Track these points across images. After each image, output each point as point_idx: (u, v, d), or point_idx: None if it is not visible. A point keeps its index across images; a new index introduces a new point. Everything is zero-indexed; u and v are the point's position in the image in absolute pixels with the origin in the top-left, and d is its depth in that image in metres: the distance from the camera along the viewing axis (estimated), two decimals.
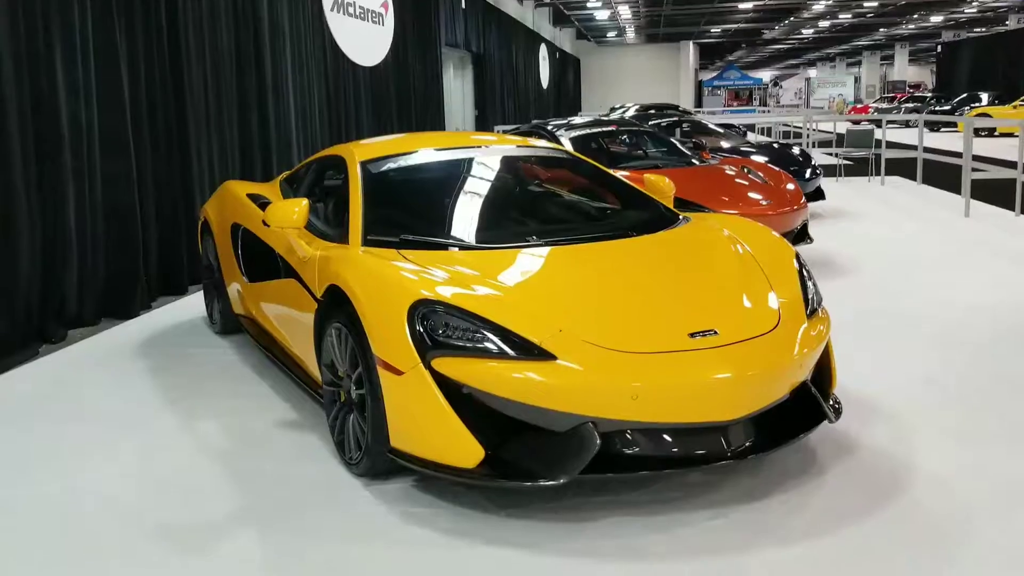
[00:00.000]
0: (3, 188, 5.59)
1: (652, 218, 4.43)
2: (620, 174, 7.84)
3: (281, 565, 3.06)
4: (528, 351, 3.18)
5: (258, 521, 3.36)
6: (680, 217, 4.51)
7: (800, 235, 7.87)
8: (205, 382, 5.04)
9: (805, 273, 3.93)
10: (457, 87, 21.25)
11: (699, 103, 51.87)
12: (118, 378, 5.18)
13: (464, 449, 3.16)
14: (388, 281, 3.52)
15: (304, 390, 4.34)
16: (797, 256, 4.04)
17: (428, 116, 16.05)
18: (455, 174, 4.64)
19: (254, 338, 5.21)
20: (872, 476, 3.60)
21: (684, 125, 12.99)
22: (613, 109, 27.57)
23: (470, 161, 4.71)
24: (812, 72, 73.86)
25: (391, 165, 4.55)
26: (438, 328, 3.26)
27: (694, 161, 8.82)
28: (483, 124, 20.93)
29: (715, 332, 3.34)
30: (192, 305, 6.91)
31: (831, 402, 3.73)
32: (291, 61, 10.24)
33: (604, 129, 9.33)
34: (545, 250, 3.90)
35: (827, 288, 7.03)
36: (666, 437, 3.21)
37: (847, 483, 3.55)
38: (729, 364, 3.22)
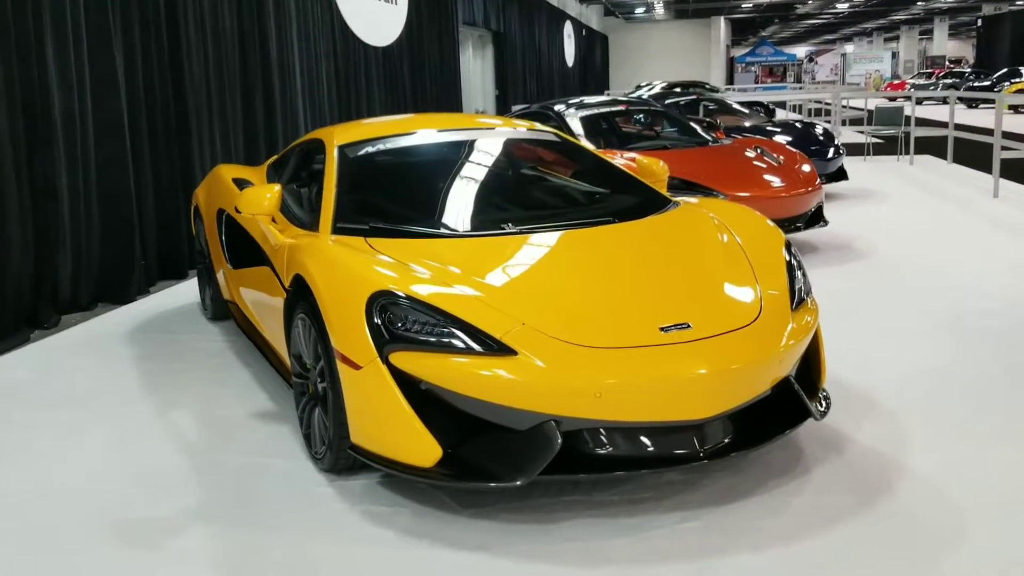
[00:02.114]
0: None
1: (639, 203, 4.24)
2: (628, 155, 7.71)
3: (232, 562, 2.96)
4: (488, 346, 3.04)
5: (217, 516, 3.26)
6: (670, 202, 4.33)
7: (814, 217, 7.63)
8: (189, 370, 4.96)
9: (795, 263, 3.74)
10: (476, 67, 20.95)
11: (730, 80, 51.07)
12: (103, 365, 5.12)
13: (421, 447, 3.03)
14: (348, 271, 3.38)
15: (283, 379, 4.24)
16: (788, 245, 3.85)
17: (445, 97, 15.84)
18: (435, 159, 4.49)
19: (239, 325, 5.13)
20: (860, 475, 3.42)
21: (706, 103, 12.71)
22: (639, 87, 27.18)
23: (453, 145, 4.55)
24: (848, 47, 72.49)
25: (368, 150, 4.41)
26: (397, 321, 3.13)
27: (710, 140, 8.59)
28: (503, 105, 20.67)
29: (688, 326, 3.17)
30: (190, 290, 6.85)
31: (820, 397, 3.56)
32: (298, 42, 10.08)
33: (614, 109, 9.11)
34: (519, 238, 3.75)
35: (837, 272, 6.85)
36: (636, 436, 3.06)
37: (833, 483, 3.37)
38: (701, 360, 3.06)
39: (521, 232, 3.79)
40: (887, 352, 4.85)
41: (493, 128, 4.84)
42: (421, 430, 3.02)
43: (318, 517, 3.23)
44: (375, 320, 3.13)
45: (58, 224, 6.12)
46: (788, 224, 7.41)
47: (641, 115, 9.50)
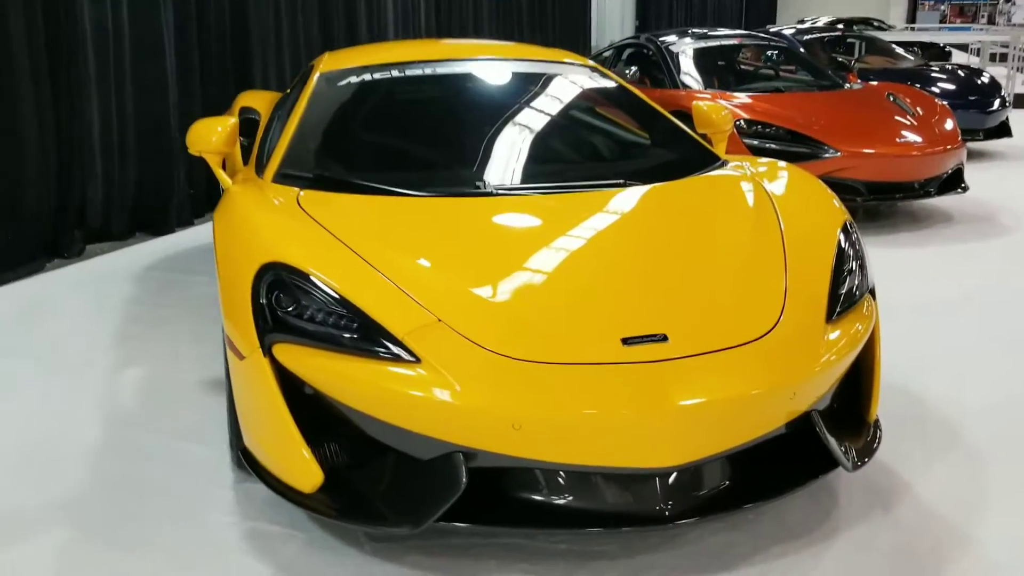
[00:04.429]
0: (8, 94, 5.16)
1: (669, 162, 3.37)
2: (739, 98, 6.68)
3: (62, 566, 2.42)
4: (385, 347, 2.32)
5: (86, 517, 2.72)
6: (714, 162, 3.43)
7: (951, 181, 6.42)
8: (175, 319, 4.46)
9: (851, 252, 2.82)
10: None
11: (912, 19, 46.91)
12: (90, 306, 4.73)
13: (301, 468, 2.36)
14: (244, 234, 2.73)
15: None
16: (848, 228, 2.92)
17: (570, 28, 14.67)
18: (426, 96, 3.73)
19: None
20: (904, 547, 2.54)
21: (858, 41, 11.21)
22: (801, 22, 25.06)
23: (454, 79, 3.76)
24: None
25: (351, 80, 3.68)
26: (287, 303, 2.45)
27: (836, 84, 7.40)
28: None
29: (664, 338, 2.34)
30: None
31: (867, 435, 2.67)
32: None
33: (730, 43, 7.97)
34: (488, 202, 2.97)
35: (967, 252, 5.63)
36: (582, 483, 2.30)
37: (863, 558, 2.51)
38: (670, 387, 2.24)
39: (495, 194, 3.01)
40: (997, 371, 3.81)
41: (514, 59, 4.00)
42: (300, 446, 2.35)
43: (195, 535, 2.62)
44: (260, 300, 2.47)
45: (86, 148, 5.74)
46: (918, 188, 6.26)
47: (759, 53, 8.31)
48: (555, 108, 3.72)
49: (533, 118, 3.62)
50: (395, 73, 3.70)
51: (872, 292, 2.85)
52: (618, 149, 3.66)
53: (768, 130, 6.25)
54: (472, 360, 2.27)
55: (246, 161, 4.01)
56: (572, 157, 3.55)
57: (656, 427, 2.20)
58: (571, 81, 3.90)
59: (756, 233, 2.83)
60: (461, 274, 2.55)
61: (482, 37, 11.58)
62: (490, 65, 3.87)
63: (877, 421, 2.77)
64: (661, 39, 7.77)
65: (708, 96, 6.82)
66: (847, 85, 7.46)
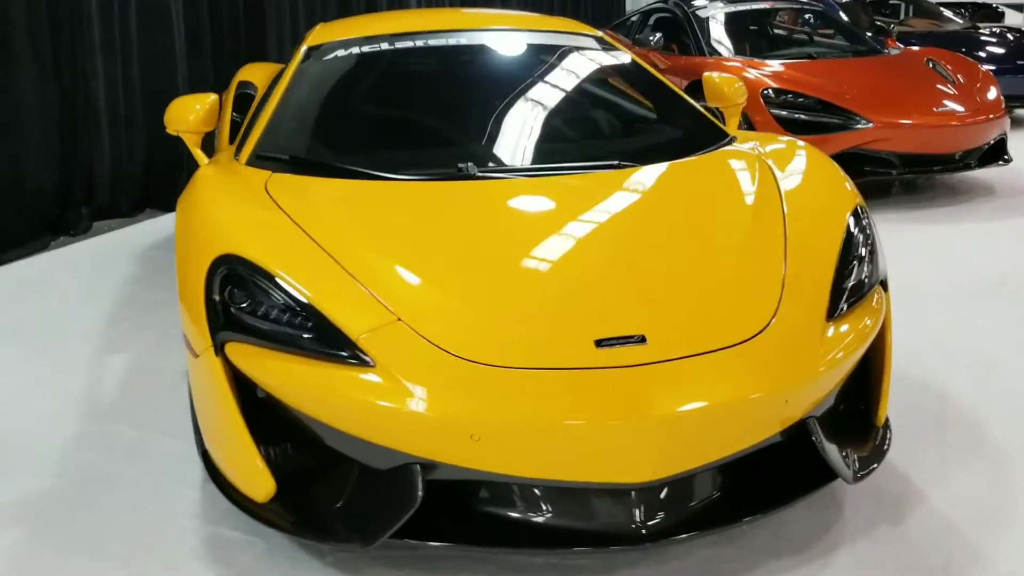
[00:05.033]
0: (6, 64, 5.05)
1: (670, 140, 3.14)
2: (768, 65, 6.36)
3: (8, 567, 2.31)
4: (339, 348, 2.15)
5: (41, 516, 2.60)
6: (722, 139, 3.19)
7: (993, 152, 6.08)
8: (170, 302, 4.30)
9: (860, 237, 2.58)
10: None
11: None
12: (88, 288, 4.62)
13: (253, 477, 2.21)
14: (202, 222, 2.56)
15: None
16: (858, 213, 2.67)
17: None
18: (415, 70, 3.52)
19: None
20: (914, 564, 2.33)
21: (896, 2, 10.76)
22: None
23: (445, 51, 3.53)
24: None
25: (338, 54, 3.48)
26: (241, 299, 2.29)
27: (873, 49, 7.04)
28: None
29: (643, 339, 2.14)
30: None
31: (876, 437, 2.45)
32: None
33: (759, 7, 7.62)
34: (468, 186, 2.76)
35: (1005, 230, 5.32)
36: (544, 498, 2.12)
37: (869, 573, 2.30)
38: (643, 395, 2.03)
39: (475, 177, 2.80)
40: (1016, 370, 3.53)
41: (512, 29, 3.75)
42: (252, 453, 2.19)
43: (153, 539, 2.48)
44: (214, 295, 2.31)
45: (91, 121, 5.63)
46: (957, 160, 5.93)
47: (796, 17, 7.94)
48: (550, 82, 3.48)
49: (525, 93, 3.38)
50: (384, 46, 3.49)
51: (884, 283, 2.61)
52: (616, 127, 3.42)
53: (798, 99, 5.94)
54: (429, 364, 2.08)
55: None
56: (566, 136, 3.32)
57: (629, 439, 2.01)
58: (570, 53, 3.65)
59: (755, 220, 2.59)
60: (428, 268, 2.35)
61: (510, 1, 11.26)
62: (485, 36, 3.62)
63: (887, 424, 2.54)
64: (689, 3, 7.45)
65: (738, 63, 6.54)
66: (886, 51, 7.09)
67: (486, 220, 2.62)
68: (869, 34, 7.60)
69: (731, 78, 3.69)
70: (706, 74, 3.72)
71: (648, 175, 2.86)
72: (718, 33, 7.05)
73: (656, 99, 3.49)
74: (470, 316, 2.20)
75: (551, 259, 2.42)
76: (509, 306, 2.24)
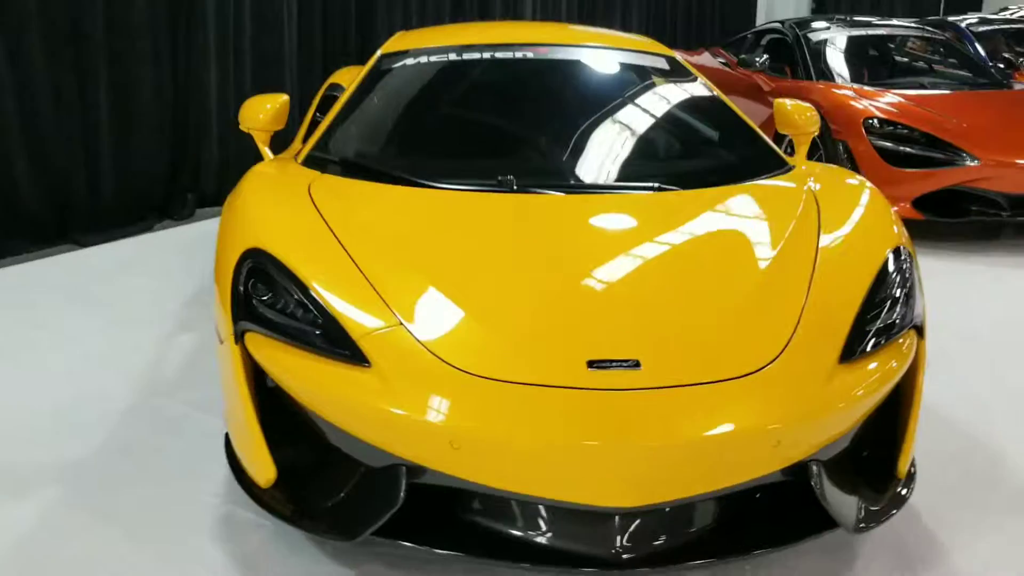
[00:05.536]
0: (124, 57, 5.40)
1: (722, 166, 3.09)
2: (876, 94, 6.14)
3: (24, 548, 2.47)
4: (343, 347, 2.22)
5: (78, 477, 2.79)
6: (783, 168, 3.12)
7: None
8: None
9: (895, 280, 2.48)
10: None
11: None
12: (179, 269, 4.87)
13: (259, 462, 2.31)
14: (240, 216, 2.67)
15: None
16: (899, 253, 2.57)
17: (731, 3, 13.93)
18: (475, 82, 3.55)
19: None
20: None
21: None
22: (1005, 9, 23.02)
23: (509, 65, 3.55)
24: None
25: (406, 63, 3.56)
26: (263, 292, 2.39)
27: (996, 83, 6.69)
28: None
29: (636, 364, 2.12)
30: None
31: (896, 486, 2.36)
32: None
33: (875, 34, 7.34)
34: (502, 198, 2.80)
35: None
36: (525, 513, 2.13)
37: None
38: (626, 420, 2.02)
39: (514, 190, 2.83)
40: None
41: (582, 45, 3.76)
42: (259, 440, 2.29)
43: (171, 511, 2.61)
44: (239, 286, 2.42)
45: (201, 115, 5.95)
46: None
47: (916, 45, 7.62)
48: (606, 101, 3.46)
49: (579, 111, 3.39)
50: (451, 57, 3.57)
51: (919, 328, 2.49)
52: (667, 149, 3.38)
53: (902, 131, 5.71)
54: (420, 369, 2.13)
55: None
56: (612, 155, 3.30)
57: (606, 462, 1.99)
58: (633, 72, 3.63)
59: (784, 253, 2.53)
60: (440, 276, 2.40)
61: (631, 15, 11.19)
62: (549, 50, 3.64)
63: (911, 475, 2.43)
64: (802, 26, 7.26)
65: (848, 90, 6.33)
66: (1016, 85, 6.73)
67: (508, 233, 2.65)
68: (999, 66, 7.23)
69: (804, 106, 3.60)
70: (778, 100, 3.64)
71: (683, 201, 2.84)
72: (830, 58, 6.84)
73: (717, 124, 3.44)
74: (471, 326, 2.23)
75: (562, 277, 2.43)
76: (510, 320, 2.26)
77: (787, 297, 2.37)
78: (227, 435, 2.57)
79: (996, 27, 10.01)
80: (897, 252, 2.56)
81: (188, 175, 5.98)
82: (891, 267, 2.51)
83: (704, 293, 2.39)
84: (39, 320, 4.13)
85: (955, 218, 5.59)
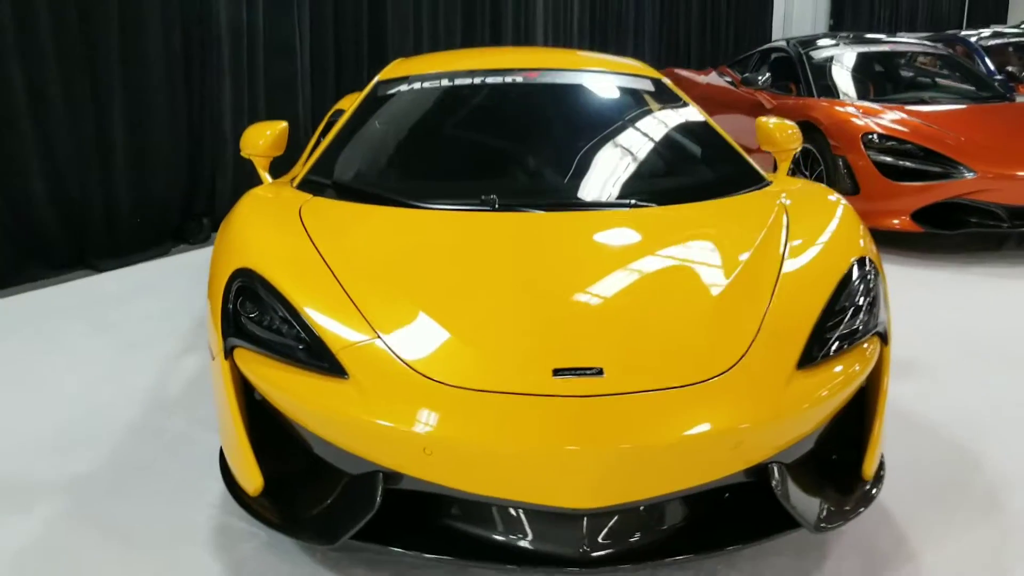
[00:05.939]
0: (140, 85, 5.61)
1: (698, 184, 3.21)
2: (875, 110, 6.21)
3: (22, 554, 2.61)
4: (324, 360, 2.35)
5: (84, 496, 2.92)
6: (757, 183, 3.22)
7: None
8: None
9: (858, 289, 2.57)
10: None
11: None
12: (192, 292, 5.00)
13: (247, 471, 2.44)
14: (232, 237, 2.82)
15: None
16: (863, 264, 2.66)
17: (747, 28, 14.09)
18: (465, 107, 3.69)
19: None
20: None
21: None
22: (1021, 24, 22.90)
23: (499, 90, 3.68)
24: None
25: (401, 89, 3.72)
26: (251, 310, 2.53)
27: (998, 96, 6.74)
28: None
29: (599, 372, 2.23)
30: None
31: (855, 495, 2.43)
32: None
33: (876, 50, 7.41)
34: (481, 216, 2.93)
35: None
36: (497, 516, 2.24)
37: None
38: (589, 425, 2.12)
39: (495, 209, 2.95)
40: None
41: (574, 70, 3.89)
42: (246, 450, 2.42)
43: (170, 524, 2.74)
44: (229, 304, 2.56)
45: (217, 140, 6.14)
46: None
47: (918, 61, 7.69)
48: (592, 122, 3.60)
49: (565, 132, 3.53)
50: (443, 83, 3.71)
51: (883, 336, 2.58)
52: (647, 168, 3.48)
53: (901, 145, 5.78)
54: (394, 380, 2.25)
55: None
56: (592, 175, 3.41)
57: (573, 466, 2.10)
58: (616, 94, 3.77)
59: (750, 264, 2.63)
60: (416, 291, 2.52)
61: (642, 34, 11.31)
62: (543, 75, 3.75)
63: (879, 477, 2.51)
64: (805, 44, 7.37)
65: (849, 107, 6.41)
66: (1019, 98, 6.78)
67: (485, 249, 2.78)
68: (1000, 78, 7.27)
69: (785, 123, 3.70)
70: (759, 119, 3.74)
71: (656, 216, 2.95)
72: (832, 75, 6.93)
73: (698, 142, 3.55)
74: (443, 338, 2.35)
75: (534, 290, 2.54)
76: (481, 331, 2.38)
77: (750, 305, 2.47)
78: (222, 449, 2.70)
79: (1007, 40, 10.06)
80: (862, 262, 2.65)
81: (203, 200, 6.16)
82: (855, 276, 2.60)
83: (669, 303, 2.50)
84: (54, 343, 4.30)
85: (954, 230, 5.64)
